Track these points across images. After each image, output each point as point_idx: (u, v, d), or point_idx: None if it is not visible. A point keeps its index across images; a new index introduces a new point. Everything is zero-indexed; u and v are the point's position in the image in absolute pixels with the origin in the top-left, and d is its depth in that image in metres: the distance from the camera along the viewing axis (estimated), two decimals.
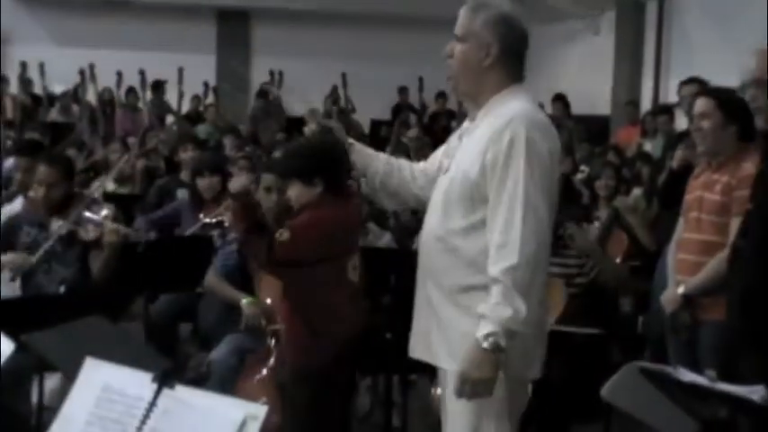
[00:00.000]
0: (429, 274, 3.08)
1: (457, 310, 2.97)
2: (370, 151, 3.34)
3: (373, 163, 3.30)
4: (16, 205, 6.04)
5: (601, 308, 4.88)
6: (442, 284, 3.02)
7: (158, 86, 13.95)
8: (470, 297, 2.92)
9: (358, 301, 3.84)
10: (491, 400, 2.89)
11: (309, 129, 3.45)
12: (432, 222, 3.08)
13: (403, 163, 3.38)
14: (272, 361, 4.45)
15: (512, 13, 3.04)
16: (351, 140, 3.34)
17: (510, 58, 3.02)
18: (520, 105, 2.96)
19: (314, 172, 3.74)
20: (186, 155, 7.65)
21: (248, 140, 11.39)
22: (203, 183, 6.04)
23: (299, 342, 3.79)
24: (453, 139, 3.21)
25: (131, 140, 10.71)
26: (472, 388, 2.82)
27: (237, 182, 3.82)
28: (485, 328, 2.78)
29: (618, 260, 6.20)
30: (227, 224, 5.32)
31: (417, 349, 3.15)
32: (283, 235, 3.61)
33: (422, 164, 3.37)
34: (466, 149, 3.02)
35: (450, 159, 3.09)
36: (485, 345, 2.77)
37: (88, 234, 4.81)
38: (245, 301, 4.98)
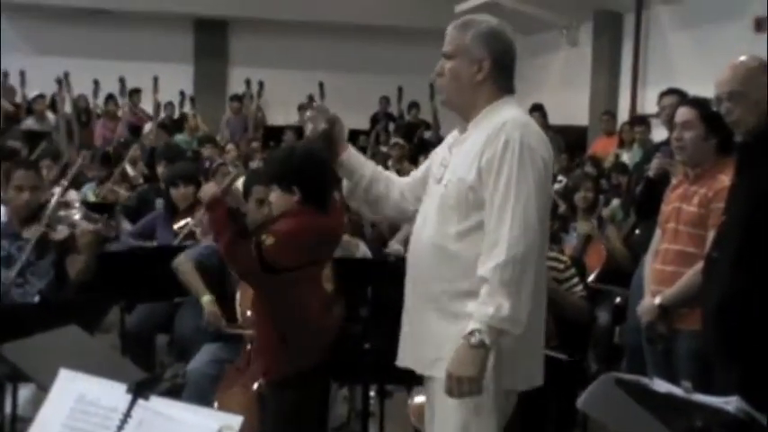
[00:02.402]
0: (419, 282, 3.10)
1: (447, 317, 2.98)
2: (361, 157, 3.36)
3: (362, 168, 3.33)
4: None
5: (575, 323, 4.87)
6: (433, 292, 3.03)
7: (134, 94, 13.94)
8: (463, 303, 2.93)
9: (331, 310, 3.84)
10: (479, 411, 2.92)
11: (310, 127, 3.38)
12: (427, 231, 3.09)
13: (390, 175, 3.43)
14: (250, 370, 4.43)
15: (500, 26, 3.09)
16: (346, 143, 3.36)
17: (501, 71, 3.06)
18: (513, 113, 3.01)
19: (291, 179, 3.74)
20: (161, 168, 7.64)
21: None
22: (177, 193, 6.05)
23: (271, 350, 3.78)
24: (441, 150, 3.23)
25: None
26: (459, 386, 2.83)
27: (208, 190, 3.81)
28: (470, 326, 2.81)
29: (595, 273, 6.23)
30: (197, 235, 5.30)
31: (406, 359, 3.16)
32: (268, 239, 3.60)
33: (406, 178, 3.41)
34: (459, 157, 3.05)
35: (443, 168, 3.10)
36: (470, 342, 2.79)
37: (59, 234, 4.77)
38: (205, 298, 4.96)
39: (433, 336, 3.01)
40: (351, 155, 3.33)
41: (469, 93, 3.06)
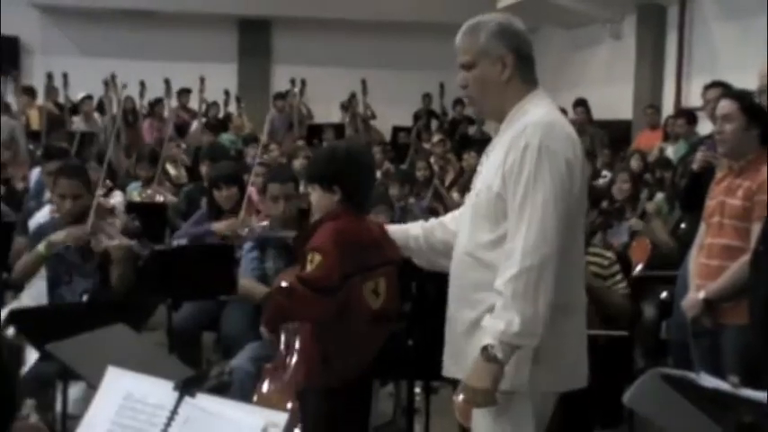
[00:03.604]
0: (459, 290, 3.09)
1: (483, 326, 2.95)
2: (400, 226, 3.44)
3: (409, 231, 3.39)
4: (43, 214, 6.12)
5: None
6: (470, 301, 3.02)
7: (183, 94, 14.05)
8: None
9: (378, 328, 3.66)
10: (515, 414, 2.92)
11: None
12: (462, 239, 3.08)
13: (442, 219, 3.43)
14: (288, 371, 4.43)
15: (508, 20, 3.05)
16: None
17: (525, 63, 3.02)
18: (538, 112, 2.95)
19: (332, 178, 3.70)
20: (205, 168, 7.68)
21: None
22: (220, 195, 6.06)
23: (310, 365, 3.72)
24: (483, 160, 3.19)
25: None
26: (473, 397, 2.83)
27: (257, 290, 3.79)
28: (484, 340, 2.80)
29: (641, 266, 6.19)
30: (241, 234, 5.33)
31: (450, 368, 3.16)
32: (315, 258, 3.54)
33: (451, 213, 3.41)
34: (489, 164, 3.03)
35: (479, 176, 3.10)
36: (484, 356, 2.79)
37: (99, 245, 4.85)
38: None
39: (471, 344, 2.98)
40: (392, 231, 3.43)
41: (499, 94, 3.01)
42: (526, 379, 2.89)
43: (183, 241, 6.10)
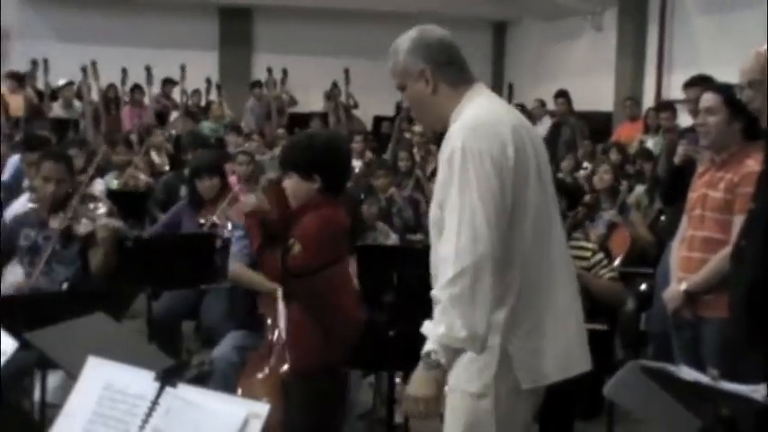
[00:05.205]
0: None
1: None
2: None
3: None
4: (21, 203, 6.06)
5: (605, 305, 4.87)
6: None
7: (168, 83, 13.99)
8: None
9: (359, 304, 3.82)
10: (482, 413, 2.91)
11: None
12: (432, 250, 3.10)
13: None
14: (273, 358, 4.44)
15: (420, 32, 3.08)
16: None
17: (446, 69, 3.02)
18: (466, 115, 2.95)
19: (312, 166, 3.70)
20: (187, 156, 7.67)
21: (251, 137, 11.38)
22: (202, 185, 6.03)
23: (308, 344, 3.76)
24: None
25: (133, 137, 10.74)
26: (415, 408, 2.80)
27: (249, 201, 3.84)
28: (426, 347, 2.77)
29: (619, 259, 6.22)
30: (219, 224, 5.32)
31: None
32: (295, 248, 3.58)
33: None
34: (437, 179, 3.03)
35: None
36: (426, 362, 2.76)
37: (81, 229, 4.82)
38: (279, 292, 5.01)
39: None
40: None
41: (434, 106, 3.03)
42: (491, 379, 2.89)
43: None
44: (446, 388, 2.93)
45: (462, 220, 2.77)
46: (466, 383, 2.93)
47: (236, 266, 5.13)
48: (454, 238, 2.77)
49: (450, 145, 2.87)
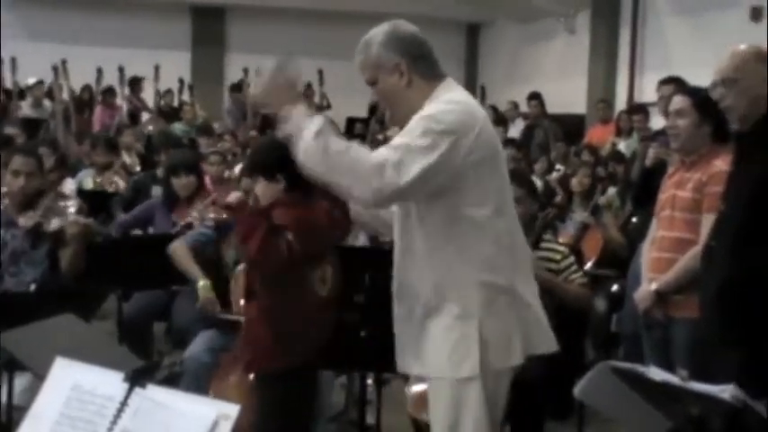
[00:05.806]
0: (400, 288, 3.16)
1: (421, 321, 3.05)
2: None
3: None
4: None
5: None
6: (411, 296, 3.09)
7: (136, 83, 13.90)
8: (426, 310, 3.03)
9: (324, 315, 3.73)
10: (471, 397, 2.95)
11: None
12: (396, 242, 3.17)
13: None
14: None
15: (393, 26, 3.10)
16: None
17: (420, 63, 3.06)
18: (439, 99, 3.00)
19: (275, 167, 3.69)
20: (161, 156, 7.61)
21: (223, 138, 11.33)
22: (178, 182, 5.99)
23: (259, 344, 3.72)
24: None
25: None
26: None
27: (234, 195, 3.80)
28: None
29: (592, 261, 6.25)
30: (194, 224, 5.29)
31: (412, 367, 3.21)
32: (288, 236, 3.56)
33: None
34: None
35: None
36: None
37: (51, 226, 4.78)
38: (201, 283, 5.03)
39: (414, 338, 3.09)
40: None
41: (407, 99, 3.05)
42: (477, 362, 2.93)
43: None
44: (426, 385, 3.02)
45: (410, 149, 2.84)
46: (452, 371, 2.97)
47: (179, 245, 5.15)
48: (392, 152, 2.85)
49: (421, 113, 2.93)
